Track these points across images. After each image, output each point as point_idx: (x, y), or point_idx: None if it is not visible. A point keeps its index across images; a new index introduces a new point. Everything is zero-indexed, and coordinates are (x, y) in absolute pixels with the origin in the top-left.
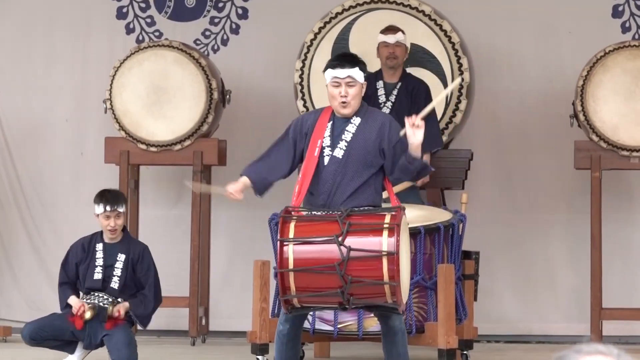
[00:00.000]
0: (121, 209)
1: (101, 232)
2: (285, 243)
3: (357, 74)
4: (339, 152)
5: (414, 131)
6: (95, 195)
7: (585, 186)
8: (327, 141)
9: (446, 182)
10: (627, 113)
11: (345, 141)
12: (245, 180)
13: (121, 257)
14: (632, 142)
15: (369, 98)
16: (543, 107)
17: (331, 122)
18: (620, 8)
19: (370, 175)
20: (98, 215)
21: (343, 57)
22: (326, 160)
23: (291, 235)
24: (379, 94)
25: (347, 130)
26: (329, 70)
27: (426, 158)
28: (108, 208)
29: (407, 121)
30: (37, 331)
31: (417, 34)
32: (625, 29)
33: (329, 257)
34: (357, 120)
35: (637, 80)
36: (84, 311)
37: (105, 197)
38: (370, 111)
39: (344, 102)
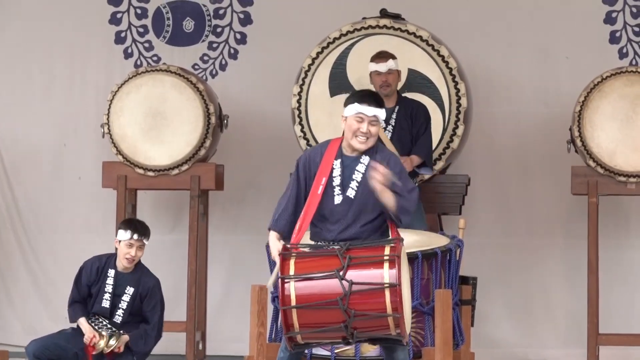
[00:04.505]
0: (146, 242)
1: (115, 257)
2: (286, 280)
3: (382, 114)
4: (351, 193)
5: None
6: (123, 222)
7: (582, 211)
8: (337, 180)
9: (443, 207)
10: (623, 139)
11: (357, 181)
12: (277, 235)
13: (130, 290)
14: (629, 167)
15: None
16: (540, 133)
17: (339, 160)
18: (618, 34)
19: (380, 211)
20: (120, 241)
21: (371, 95)
22: (337, 199)
23: (292, 272)
24: None
25: (357, 170)
26: (356, 104)
27: (407, 163)
28: (135, 236)
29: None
30: (41, 350)
31: (415, 59)
32: (622, 54)
33: (331, 292)
34: (366, 160)
35: (634, 106)
36: (96, 342)
37: (135, 225)
38: (379, 150)
39: (365, 138)
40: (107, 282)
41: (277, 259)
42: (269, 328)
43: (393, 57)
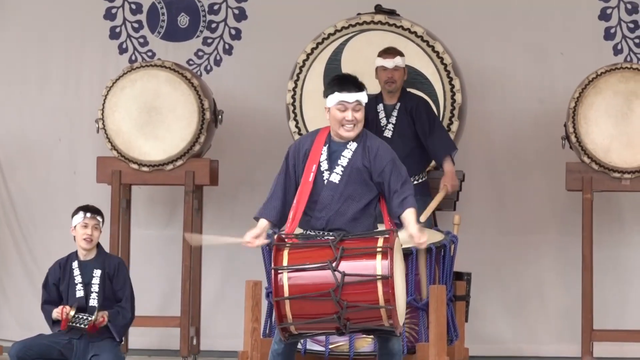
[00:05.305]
0: (100, 219)
1: (76, 252)
2: (279, 271)
3: (364, 98)
4: (335, 177)
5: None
6: (74, 210)
7: (576, 207)
8: (324, 165)
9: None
10: (618, 135)
11: (342, 166)
12: (262, 223)
13: (97, 272)
14: (624, 163)
15: (371, 122)
16: (535, 129)
17: (327, 145)
18: (612, 30)
19: (368, 200)
20: (75, 226)
21: (349, 81)
22: (324, 184)
23: (285, 262)
24: (380, 117)
25: (343, 156)
26: (336, 94)
27: (449, 164)
28: (88, 215)
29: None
30: (24, 350)
31: (409, 55)
32: (617, 51)
33: (323, 283)
34: (353, 146)
35: (628, 102)
36: (67, 312)
37: (85, 206)
38: (368, 137)
39: (351, 126)
40: (74, 274)
41: (250, 240)
42: (263, 323)
43: (401, 54)
